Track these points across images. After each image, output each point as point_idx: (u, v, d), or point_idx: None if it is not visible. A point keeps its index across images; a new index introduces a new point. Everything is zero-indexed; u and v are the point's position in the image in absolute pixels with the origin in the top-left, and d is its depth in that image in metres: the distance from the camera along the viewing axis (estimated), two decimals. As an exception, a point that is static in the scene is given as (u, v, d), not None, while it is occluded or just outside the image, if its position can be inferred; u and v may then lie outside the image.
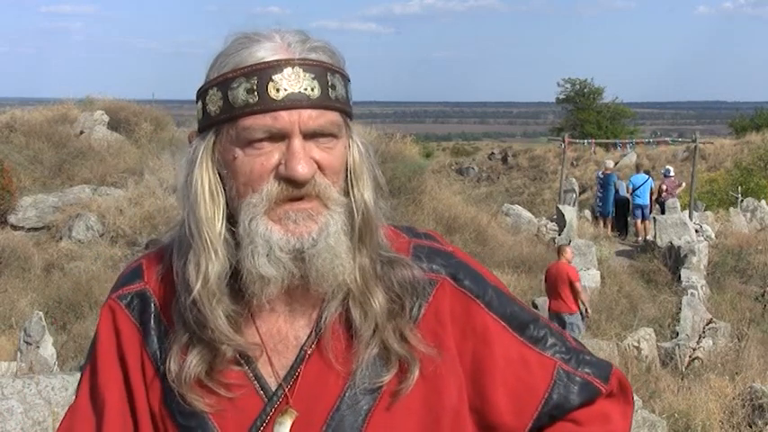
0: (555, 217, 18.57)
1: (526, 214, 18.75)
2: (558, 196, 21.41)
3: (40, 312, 8.30)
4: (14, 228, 13.91)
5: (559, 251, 10.71)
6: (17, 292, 11.21)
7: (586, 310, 10.41)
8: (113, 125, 18.41)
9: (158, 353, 1.27)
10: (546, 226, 18.13)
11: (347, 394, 1.23)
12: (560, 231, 17.22)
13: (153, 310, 1.30)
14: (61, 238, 13.51)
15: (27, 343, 7.82)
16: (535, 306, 11.65)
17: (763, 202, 21.57)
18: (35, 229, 14.02)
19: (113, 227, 13.48)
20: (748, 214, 20.89)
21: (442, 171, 28.12)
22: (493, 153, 40.59)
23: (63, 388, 5.47)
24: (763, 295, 12.70)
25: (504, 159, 38.88)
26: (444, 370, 1.29)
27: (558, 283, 10.12)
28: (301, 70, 1.19)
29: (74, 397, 1.36)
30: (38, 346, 7.79)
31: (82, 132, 17.61)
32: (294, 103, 1.18)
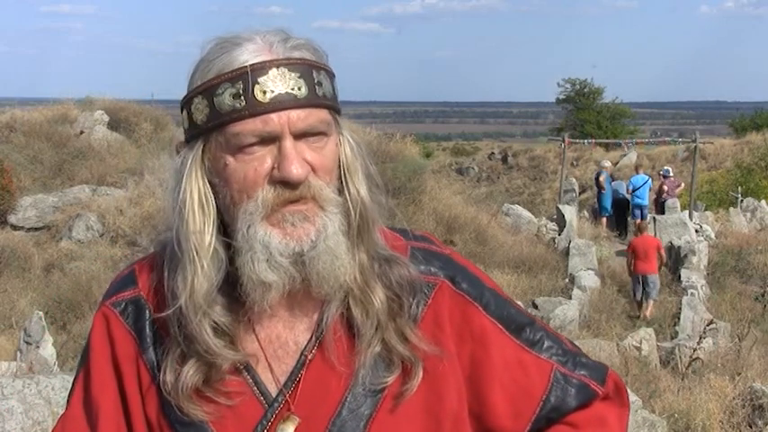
0: (555, 217, 18.56)
1: (526, 214, 18.73)
2: (558, 196, 21.41)
3: (40, 312, 8.30)
4: (14, 228, 13.90)
5: (641, 228, 14.35)
6: (17, 292, 11.20)
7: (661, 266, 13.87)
8: (113, 125, 18.40)
9: (155, 361, 1.25)
10: (546, 226, 18.12)
11: (349, 398, 1.22)
12: (560, 231, 17.22)
13: (148, 317, 1.27)
14: (61, 239, 13.50)
15: (27, 343, 7.81)
16: (535, 306, 11.65)
17: (763, 202, 21.56)
18: (35, 229, 14.02)
19: (113, 227, 13.47)
20: (748, 214, 20.88)
21: (442, 171, 28.10)
22: (493, 153, 40.59)
23: (63, 388, 5.47)
24: (763, 295, 12.71)
25: (504, 159, 38.86)
26: (445, 373, 1.28)
27: (648, 251, 13.29)
28: (286, 70, 1.17)
29: (66, 405, 1.33)
30: (38, 346, 7.79)
31: (82, 132, 17.61)
32: (282, 104, 1.16)
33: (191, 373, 1.20)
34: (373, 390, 1.23)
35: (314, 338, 1.24)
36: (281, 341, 1.25)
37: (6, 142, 16.54)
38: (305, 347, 1.24)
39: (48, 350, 7.85)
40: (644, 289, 13.29)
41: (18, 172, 15.12)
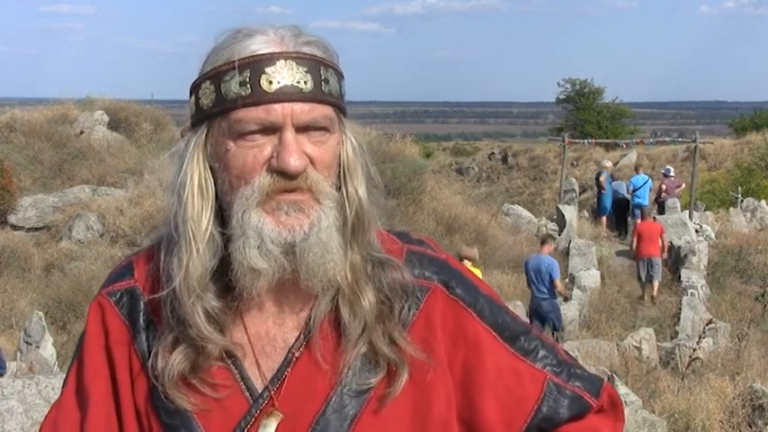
0: (555, 217, 18.58)
1: (526, 214, 18.76)
2: (558, 196, 21.42)
3: (40, 312, 8.32)
4: (14, 228, 13.92)
5: (644, 214, 15.53)
6: (17, 292, 11.22)
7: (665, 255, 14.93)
8: (113, 125, 18.42)
9: (146, 350, 1.26)
10: (546, 226, 18.13)
11: (334, 398, 1.22)
12: (560, 231, 17.23)
13: (142, 307, 1.29)
14: (61, 239, 13.52)
15: (27, 343, 7.82)
16: (535, 306, 11.64)
17: (763, 202, 21.55)
18: (35, 229, 14.03)
19: (113, 227, 13.49)
20: (748, 214, 20.87)
21: (442, 171, 28.13)
22: (493, 153, 40.57)
23: (63, 388, 5.46)
24: (763, 295, 12.72)
25: (504, 159, 38.85)
26: (434, 378, 1.27)
27: (653, 236, 14.42)
28: (294, 63, 1.19)
29: (60, 391, 1.35)
30: (38, 346, 7.80)
31: (82, 132, 17.62)
32: (287, 95, 1.18)
33: (178, 359, 1.21)
34: (358, 390, 1.23)
35: (302, 336, 1.25)
36: (269, 337, 1.26)
37: (6, 142, 16.55)
38: (292, 345, 1.25)
39: (48, 350, 7.86)
40: (648, 272, 14.23)
41: (18, 172, 15.13)
